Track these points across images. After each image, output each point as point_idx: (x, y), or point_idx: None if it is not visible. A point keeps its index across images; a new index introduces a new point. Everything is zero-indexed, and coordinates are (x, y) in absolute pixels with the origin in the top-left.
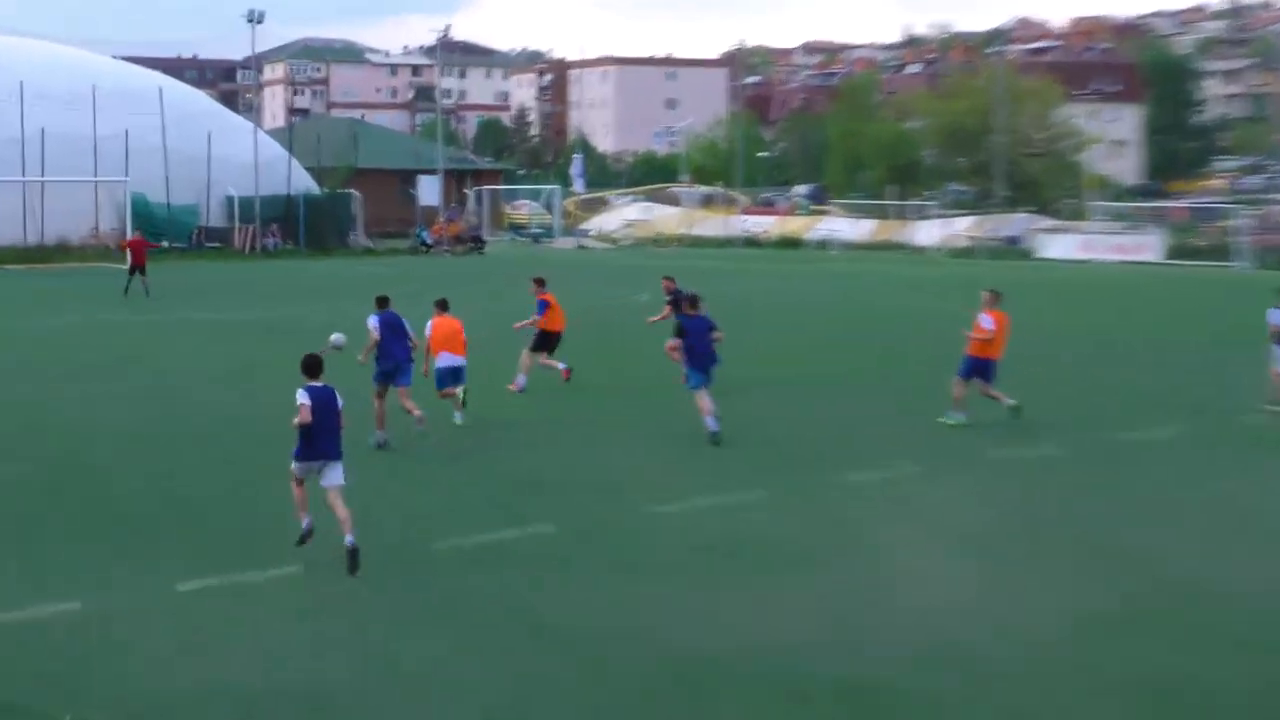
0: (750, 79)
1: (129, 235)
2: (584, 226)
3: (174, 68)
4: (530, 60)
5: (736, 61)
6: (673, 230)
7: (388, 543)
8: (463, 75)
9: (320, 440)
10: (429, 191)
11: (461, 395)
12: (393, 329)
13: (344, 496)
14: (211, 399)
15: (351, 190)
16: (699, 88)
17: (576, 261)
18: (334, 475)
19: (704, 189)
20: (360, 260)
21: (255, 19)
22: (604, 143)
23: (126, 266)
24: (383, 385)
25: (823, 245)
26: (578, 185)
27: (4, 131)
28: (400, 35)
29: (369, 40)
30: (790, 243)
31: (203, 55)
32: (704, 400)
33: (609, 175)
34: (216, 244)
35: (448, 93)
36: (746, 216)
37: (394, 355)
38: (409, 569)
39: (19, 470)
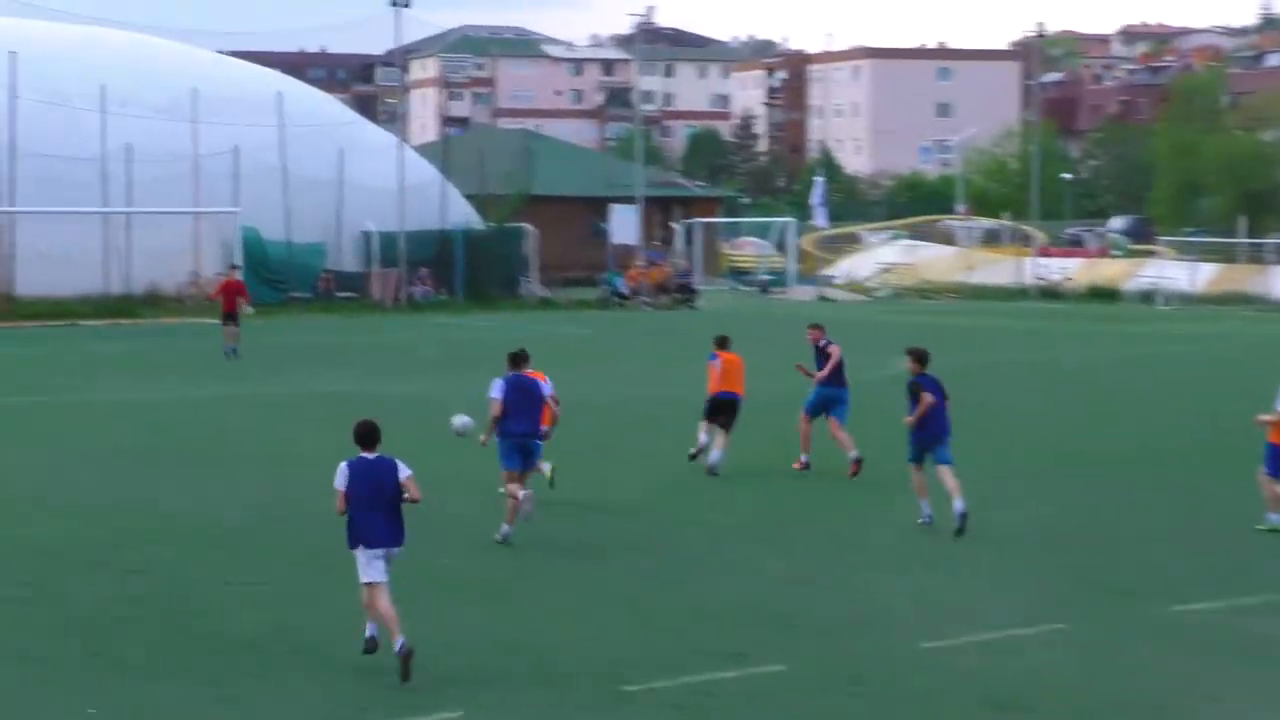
0: (1050, 76)
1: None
2: (827, 272)
3: (297, 65)
4: (758, 53)
5: (1032, 53)
6: (944, 277)
7: (565, 681)
8: (669, 73)
9: (373, 525)
10: (624, 226)
11: (549, 474)
12: (524, 394)
13: (390, 592)
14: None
15: (524, 224)
16: (981, 88)
17: (816, 317)
18: (390, 563)
19: (987, 222)
20: (535, 315)
21: (400, 1)
22: (854, 161)
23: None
24: (510, 471)
25: (1147, 298)
26: (819, 217)
27: (81, 148)
28: (587, 21)
29: (546, 28)
30: (1103, 294)
31: (333, 49)
32: (924, 481)
33: (860, 204)
34: (349, 294)
35: (649, 95)
36: (1044, 259)
37: (520, 429)
38: (598, 718)
39: (98, 590)
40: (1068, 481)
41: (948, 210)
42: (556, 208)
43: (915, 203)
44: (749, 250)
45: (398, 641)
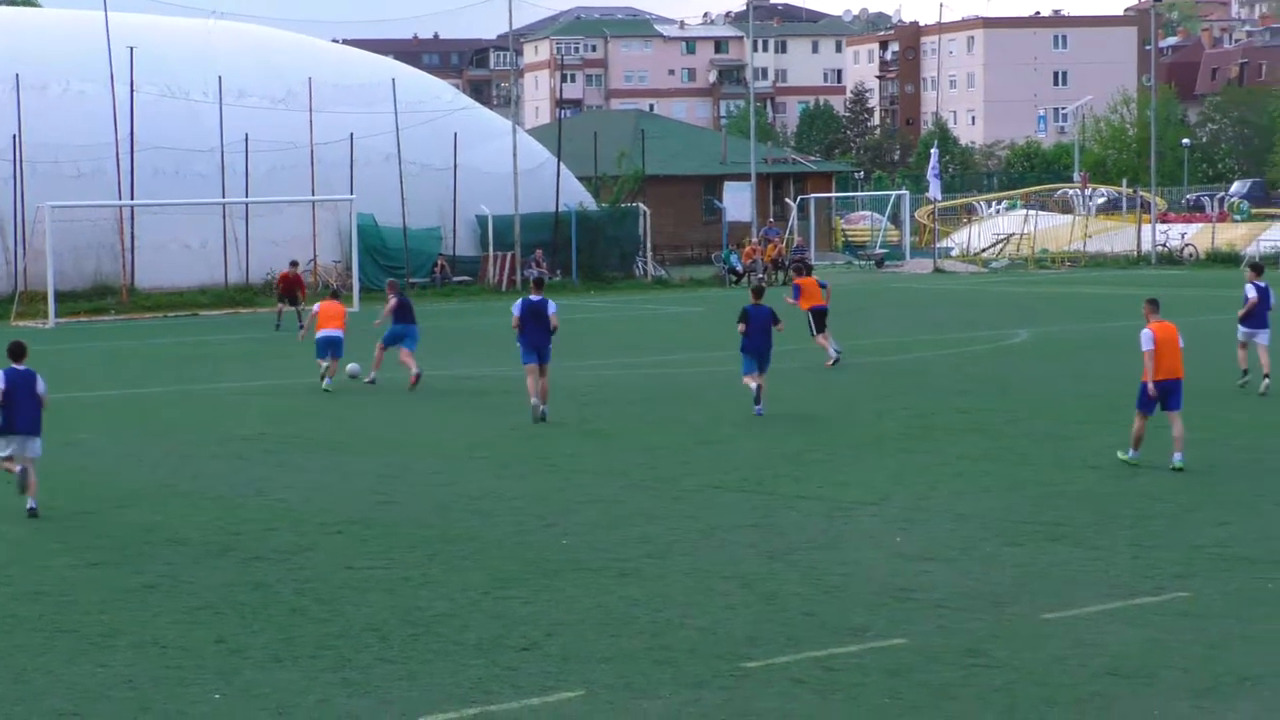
0: (1168, 41)
1: (353, 267)
2: (943, 244)
3: (410, 52)
4: (871, 26)
5: (1149, 18)
6: (1062, 246)
7: (683, 659)
8: (781, 49)
9: (18, 419)
10: (738, 203)
11: (328, 367)
12: (535, 315)
13: (35, 468)
14: (455, 481)
15: (638, 204)
16: (1097, 55)
17: (932, 290)
18: (33, 448)
19: (1105, 190)
20: (650, 295)
21: None
22: (969, 133)
23: (296, 311)
24: (529, 364)
25: (1271, 261)
26: (934, 189)
27: (198, 140)
28: (699, 1)
29: (657, 7)
30: (1224, 259)
31: (445, 34)
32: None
33: (976, 175)
34: (465, 278)
35: (762, 73)
36: (1164, 225)
37: (530, 341)
38: (715, 697)
39: (222, 577)
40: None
41: (1065, 179)
42: (670, 187)
43: (1031, 172)
44: (864, 224)
45: (32, 502)
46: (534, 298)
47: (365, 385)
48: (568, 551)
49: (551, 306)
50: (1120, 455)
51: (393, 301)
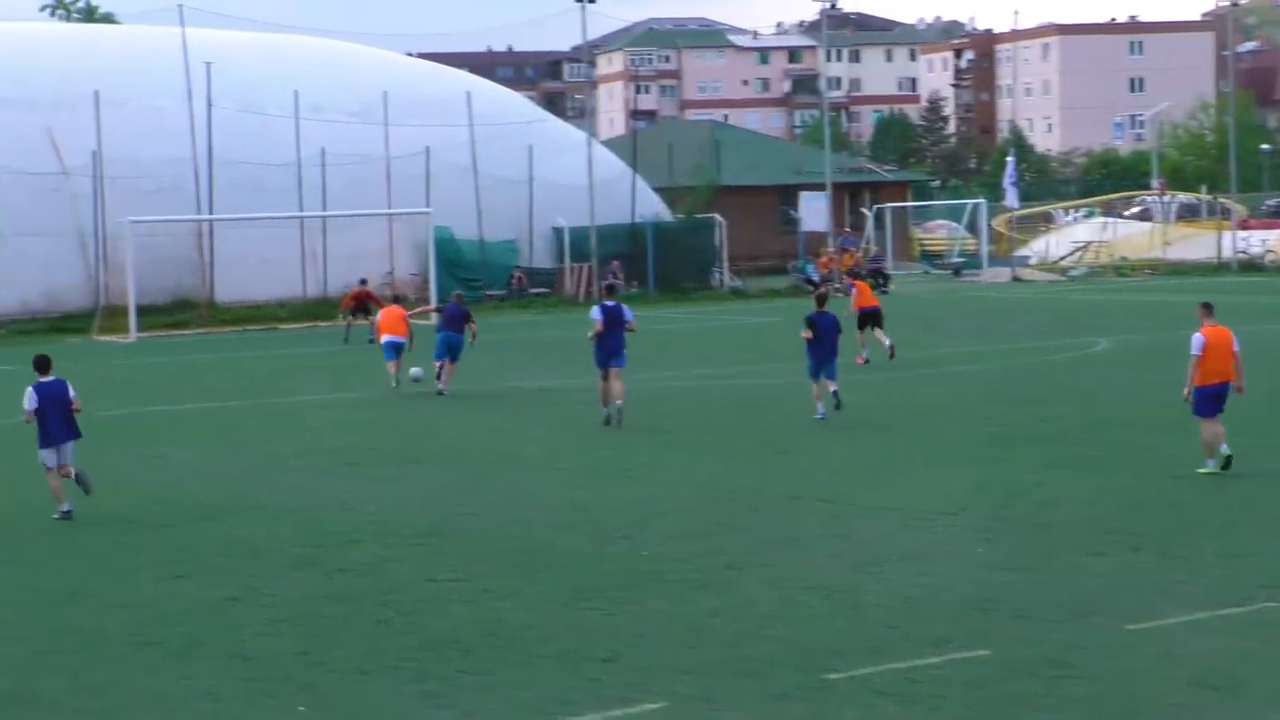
0: (1246, 46)
1: (430, 280)
2: (1021, 252)
3: (484, 65)
4: (945, 34)
5: (1226, 23)
6: (1141, 253)
7: (765, 670)
8: (855, 58)
9: (54, 426)
10: (814, 213)
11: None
12: (614, 321)
13: (74, 466)
14: (533, 492)
15: (714, 215)
16: (1174, 61)
17: (1010, 299)
18: (67, 453)
19: (1184, 197)
20: (726, 306)
21: None
22: (1045, 140)
23: (367, 323)
24: (603, 369)
25: None
26: (1010, 197)
27: (276, 154)
28: (772, 10)
29: (731, 18)
30: None
31: (519, 47)
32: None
33: (1052, 183)
34: (543, 290)
35: (836, 82)
36: (1244, 232)
37: (608, 344)
38: (797, 709)
39: (305, 590)
40: (1266, 457)
41: (1142, 186)
42: (745, 197)
43: (1109, 179)
44: (941, 233)
45: (85, 484)
46: (610, 303)
47: (437, 397)
48: (647, 563)
49: (628, 312)
50: (1200, 470)
51: (439, 306)
